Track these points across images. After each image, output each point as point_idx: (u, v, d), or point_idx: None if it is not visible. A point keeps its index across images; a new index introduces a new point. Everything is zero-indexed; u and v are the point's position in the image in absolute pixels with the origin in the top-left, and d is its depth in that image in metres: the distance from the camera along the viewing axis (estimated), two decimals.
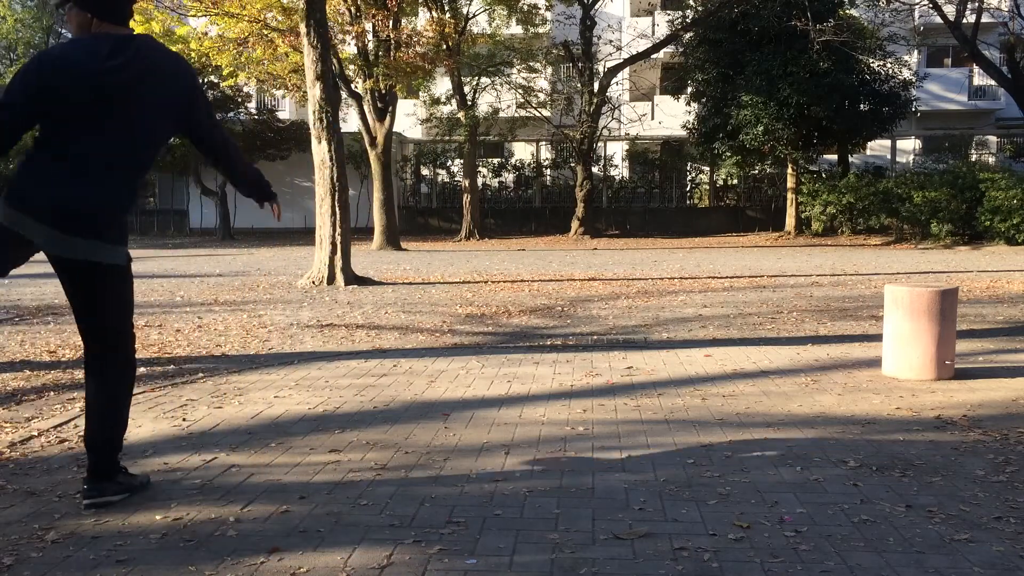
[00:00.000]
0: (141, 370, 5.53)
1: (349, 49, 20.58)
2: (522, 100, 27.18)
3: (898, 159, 28.93)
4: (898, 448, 3.58)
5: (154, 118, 2.95)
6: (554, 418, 4.12)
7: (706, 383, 4.92)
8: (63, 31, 40.56)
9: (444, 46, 21.73)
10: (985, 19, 22.44)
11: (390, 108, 20.96)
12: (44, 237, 2.85)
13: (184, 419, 4.15)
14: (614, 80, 25.71)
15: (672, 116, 27.58)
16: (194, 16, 19.34)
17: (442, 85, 26.42)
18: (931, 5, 20.47)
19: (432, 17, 21.68)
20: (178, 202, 32.51)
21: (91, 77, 2.80)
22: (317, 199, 11.46)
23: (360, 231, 23.52)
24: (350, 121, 24.03)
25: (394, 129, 22.06)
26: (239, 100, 28.02)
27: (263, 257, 18.58)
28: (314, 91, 11.28)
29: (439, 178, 30.96)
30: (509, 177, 30.64)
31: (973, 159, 26.66)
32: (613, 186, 30.30)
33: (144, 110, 2.91)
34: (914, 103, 23.92)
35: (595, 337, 6.80)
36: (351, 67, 20.43)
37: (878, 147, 28.48)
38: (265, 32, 18.47)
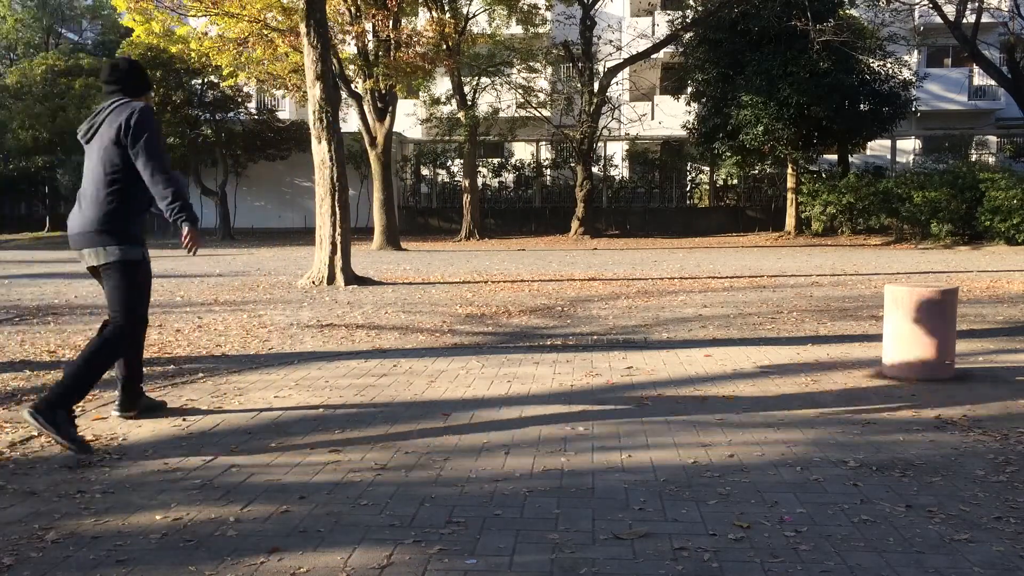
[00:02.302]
0: None
1: (349, 49, 20.58)
2: (522, 100, 27.18)
3: (898, 159, 28.93)
4: (898, 448, 3.58)
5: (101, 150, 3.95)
6: (554, 418, 4.12)
7: (706, 383, 4.92)
8: (63, 31, 40.58)
9: (444, 46, 21.72)
10: (985, 19, 22.43)
11: (390, 108, 20.95)
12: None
13: (184, 419, 4.15)
14: (614, 80, 25.71)
15: (672, 116, 27.58)
16: (194, 16, 19.33)
17: (442, 85, 26.42)
18: (931, 5, 20.48)
19: (432, 17, 21.67)
20: None
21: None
22: (317, 199, 11.45)
23: (360, 231, 23.52)
24: (350, 121, 24.03)
25: (394, 129, 22.05)
26: (239, 100, 28.01)
27: (263, 257, 18.58)
28: (314, 91, 11.28)
29: (439, 178, 30.96)
30: (509, 177, 30.64)
31: (973, 159, 26.66)
32: (613, 186, 30.30)
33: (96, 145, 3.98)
34: (914, 103, 23.92)
35: (595, 337, 6.80)
36: (351, 67, 20.43)
37: (878, 147, 28.48)
38: (265, 32, 18.46)
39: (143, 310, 4.07)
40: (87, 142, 4.02)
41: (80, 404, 3.92)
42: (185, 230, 4.00)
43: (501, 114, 26.43)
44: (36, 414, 3.55)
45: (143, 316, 4.09)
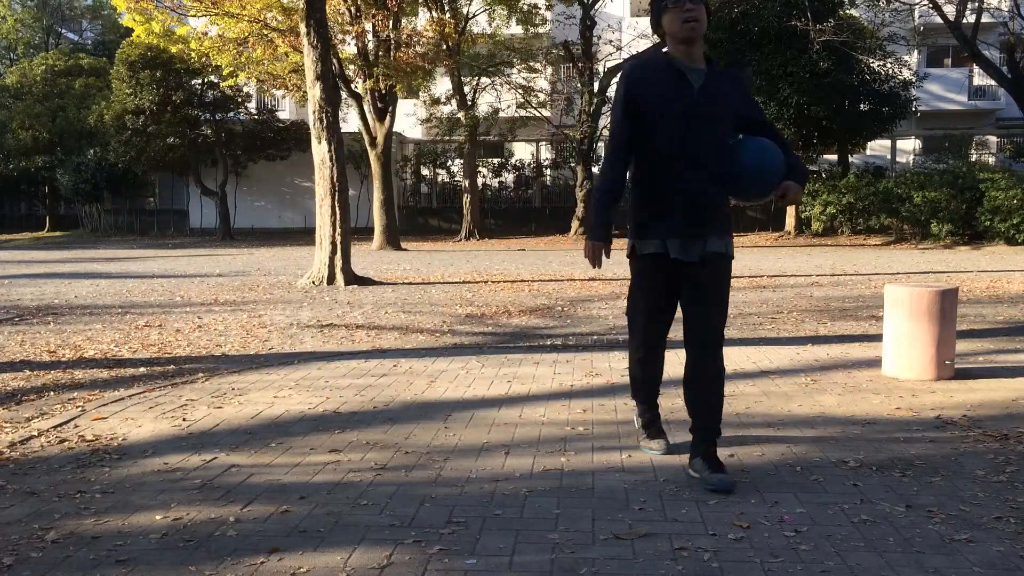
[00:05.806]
0: (141, 370, 5.54)
1: (349, 49, 20.58)
2: (522, 100, 27.17)
3: (898, 159, 28.92)
4: (898, 448, 3.58)
5: None
6: (554, 418, 4.12)
7: None
8: (63, 31, 40.54)
9: (444, 46, 21.73)
10: (985, 19, 22.42)
11: (390, 108, 20.96)
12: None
13: (184, 419, 4.15)
14: (614, 80, 25.70)
15: None
16: (194, 16, 19.33)
17: (442, 85, 26.42)
18: (931, 5, 20.47)
19: (432, 17, 21.68)
20: (178, 202, 32.51)
21: None
22: (317, 199, 11.46)
23: (360, 231, 23.52)
24: (350, 121, 24.02)
25: (394, 129, 22.06)
26: (239, 100, 28.01)
27: (263, 257, 18.58)
28: (314, 91, 11.28)
29: (439, 178, 30.95)
30: (509, 177, 30.63)
31: (973, 159, 26.65)
32: None
33: None
34: (914, 103, 23.90)
35: (595, 337, 6.80)
36: (351, 67, 20.43)
37: (878, 147, 28.47)
38: (265, 32, 18.47)
39: (637, 328, 3.35)
40: None
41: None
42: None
43: (501, 114, 26.42)
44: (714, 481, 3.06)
45: (637, 338, 3.36)
